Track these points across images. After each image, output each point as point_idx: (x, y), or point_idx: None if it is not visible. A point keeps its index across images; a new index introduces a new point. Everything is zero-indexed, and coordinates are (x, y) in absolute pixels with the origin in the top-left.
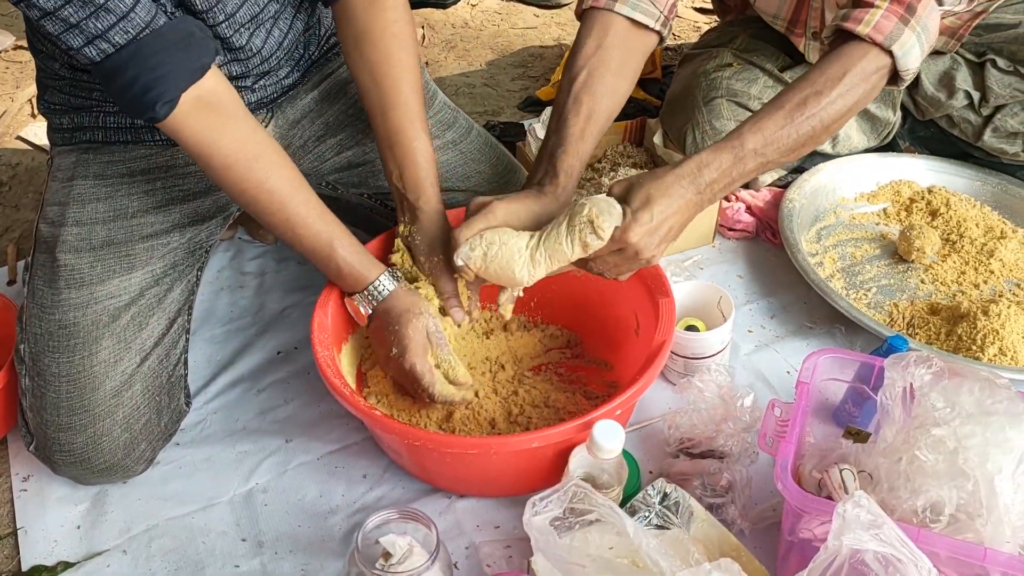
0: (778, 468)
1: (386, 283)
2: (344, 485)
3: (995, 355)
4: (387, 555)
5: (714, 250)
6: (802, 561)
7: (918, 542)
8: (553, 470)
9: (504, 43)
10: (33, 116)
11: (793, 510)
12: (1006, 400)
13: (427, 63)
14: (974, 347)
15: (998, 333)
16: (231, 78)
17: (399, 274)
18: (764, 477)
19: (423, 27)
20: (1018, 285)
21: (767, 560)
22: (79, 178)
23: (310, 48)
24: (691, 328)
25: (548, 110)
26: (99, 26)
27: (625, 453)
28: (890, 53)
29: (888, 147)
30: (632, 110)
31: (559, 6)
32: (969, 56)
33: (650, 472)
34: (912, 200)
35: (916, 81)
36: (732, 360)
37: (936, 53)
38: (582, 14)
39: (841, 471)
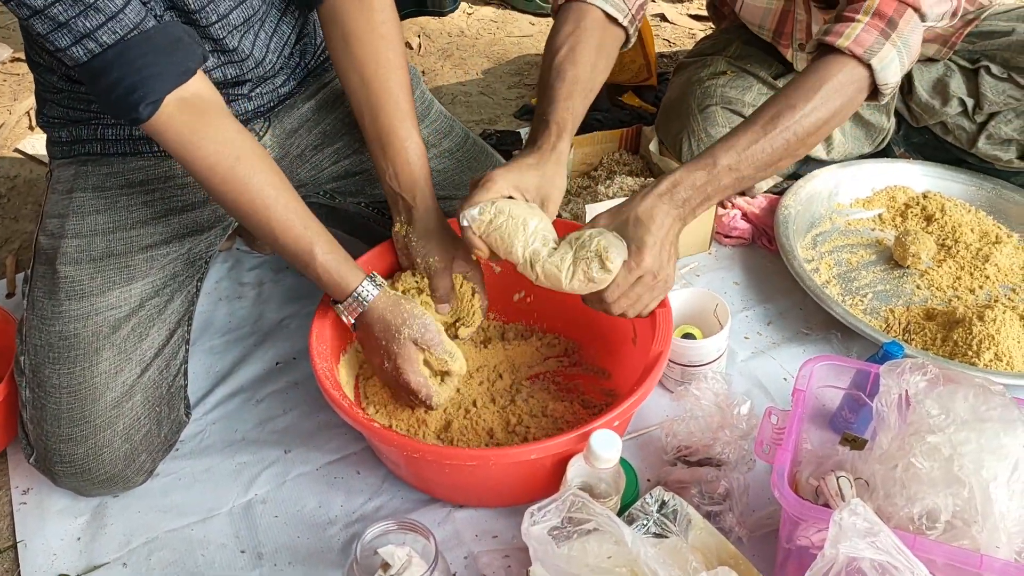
0: (775, 476)
1: (368, 290)
2: (343, 496)
3: (991, 360)
4: (386, 566)
5: (710, 257)
6: (800, 569)
7: (914, 549)
8: (551, 480)
9: (500, 51)
10: (31, 128)
11: (790, 518)
12: (1000, 407)
13: (423, 72)
14: (970, 352)
15: (994, 338)
16: (227, 83)
17: (381, 280)
18: (761, 484)
19: (419, 36)
20: (1013, 290)
21: (765, 568)
22: (78, 190)
23: (306, 57)
24: (688, 336)
25: None
26: (87, 25)
27: (623, 462)
28: (869, 67)
29: (883, 153)
30: (628, 118)
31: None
32: (963, 63)
33: (648, 480)
34: (907, 205)
35: (910, 88)
36: (729, 367)
37: (929, 60)
38: (558, 9)
39: (838, 478)
